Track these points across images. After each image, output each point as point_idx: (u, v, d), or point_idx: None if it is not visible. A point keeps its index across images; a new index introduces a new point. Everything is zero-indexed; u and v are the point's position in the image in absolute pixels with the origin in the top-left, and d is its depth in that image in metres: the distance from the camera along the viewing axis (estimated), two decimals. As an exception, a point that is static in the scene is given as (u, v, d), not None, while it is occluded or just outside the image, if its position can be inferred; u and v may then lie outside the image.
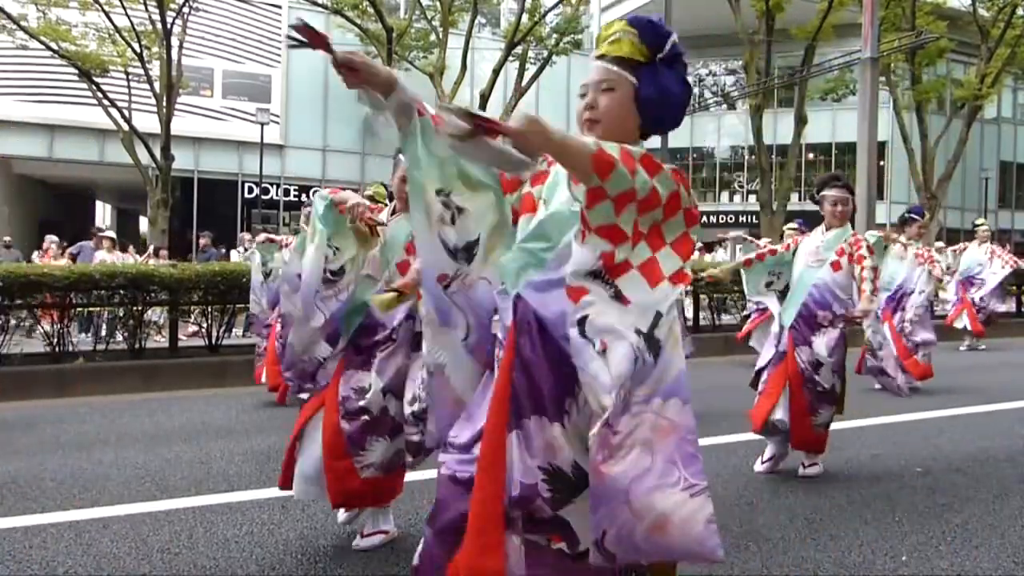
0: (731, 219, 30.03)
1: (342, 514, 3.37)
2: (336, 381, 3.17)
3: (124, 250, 13.16)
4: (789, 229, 8.42)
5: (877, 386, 6.80)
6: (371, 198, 4.33)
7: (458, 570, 1.60)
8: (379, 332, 3.15)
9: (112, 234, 12.67)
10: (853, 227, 4.51)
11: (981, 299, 10.21)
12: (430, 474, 4.12)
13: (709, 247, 20.18)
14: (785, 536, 3.31)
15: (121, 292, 7.48)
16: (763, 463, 4.40)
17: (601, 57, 1.74)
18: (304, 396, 3.42)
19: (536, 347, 1.65)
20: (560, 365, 1.62)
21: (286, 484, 3.24)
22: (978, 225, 10.82)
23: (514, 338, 1.67)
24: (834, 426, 5.01)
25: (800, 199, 26.98)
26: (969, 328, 10.25)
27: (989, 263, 10.25)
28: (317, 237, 3.08)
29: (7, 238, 15.10)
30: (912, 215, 7.34)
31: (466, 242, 1.76)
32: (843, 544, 3.22)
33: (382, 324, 3.14)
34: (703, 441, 4.91)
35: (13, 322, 7.23)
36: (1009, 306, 12.39)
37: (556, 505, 1.60)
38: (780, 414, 4.27)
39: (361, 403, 3.10)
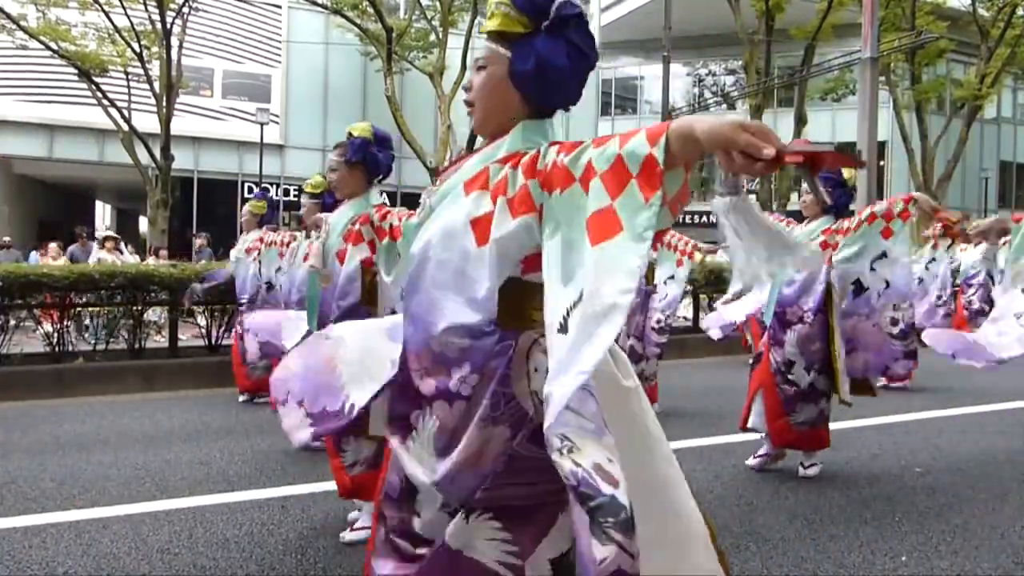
0: (731, 219, 29.96)
1: (353, 513, 3.38)
2: None
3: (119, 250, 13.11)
4: None
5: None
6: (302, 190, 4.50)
7: None
8: None
9: (112, 233, 12.65)
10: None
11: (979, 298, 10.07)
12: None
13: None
14: (785, 536, 3.31)
15: (121, 292, 7.48)
16: (755, 457, 4.43)
17: (487, 35, 1.59)
18: None
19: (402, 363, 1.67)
20: (408, 377, 1.64)
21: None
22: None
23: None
24: (834, 426, 5.01)
25: (800, 199, 26.97)
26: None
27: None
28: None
29: (7, 238, 15.09)
30: None
31: None
32: (843, 544, 3.22)
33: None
34: (702, 442, 4.93)
35: (13, 322, 7.23)
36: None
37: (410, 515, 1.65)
38: (753, 420, 4.32)
39: None
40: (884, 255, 3.95)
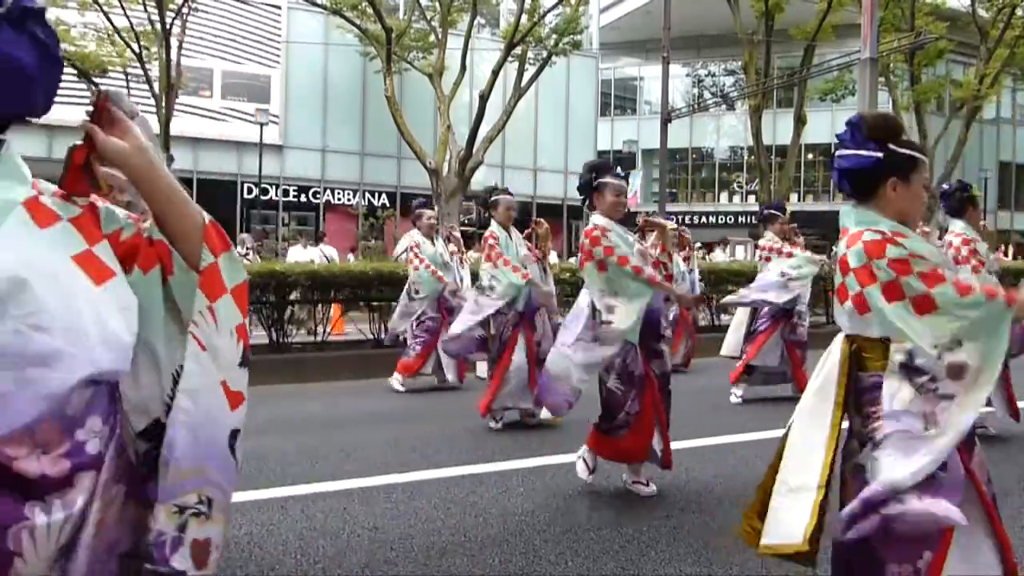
0: (730, 220, 30.04)
1: None
2: None
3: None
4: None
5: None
6: None
7: None
8: None
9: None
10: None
11: None
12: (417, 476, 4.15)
13: (709, 247, 20.20)
14: (784, 536, 3.30)
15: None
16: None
17: None
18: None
19: None
20: None
21: None
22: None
23: None
24: (833, 426, 4.96)
25: (800, 199, 27.03)
26: None
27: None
28: None
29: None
30: (773, 211, 6.60)
31: None
32: (842, 544, 3.22)
33: None
34: (702, 441, 4.92)
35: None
36: None
37: None
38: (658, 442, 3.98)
39: None
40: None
